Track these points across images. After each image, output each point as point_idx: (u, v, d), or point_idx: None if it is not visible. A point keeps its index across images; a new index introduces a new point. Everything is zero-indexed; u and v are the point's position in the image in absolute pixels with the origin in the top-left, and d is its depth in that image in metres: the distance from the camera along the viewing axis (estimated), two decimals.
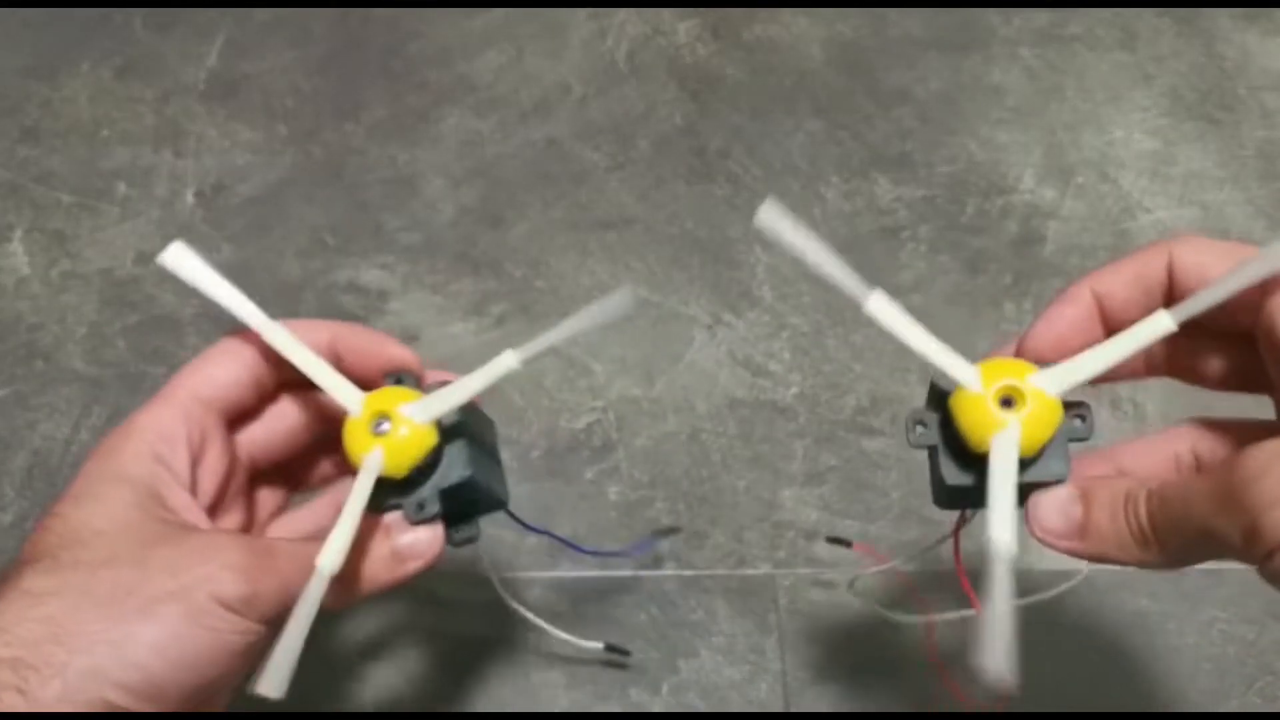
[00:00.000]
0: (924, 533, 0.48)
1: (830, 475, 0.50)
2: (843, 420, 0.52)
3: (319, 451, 0.35)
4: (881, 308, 0.31)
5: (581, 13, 0.69)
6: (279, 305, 0.55)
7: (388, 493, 0.31)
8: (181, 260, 0.33)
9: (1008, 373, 0.29)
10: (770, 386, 0.53)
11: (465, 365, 0.53)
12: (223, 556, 0.27)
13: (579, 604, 0.46)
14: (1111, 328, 0.29)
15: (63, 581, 0.26)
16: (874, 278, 0.59)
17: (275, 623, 0.27)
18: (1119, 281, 0.28)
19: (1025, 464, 0.28)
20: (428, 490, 0.31)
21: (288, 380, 0.33)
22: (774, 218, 0.30)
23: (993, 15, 0.69)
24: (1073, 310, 0.29)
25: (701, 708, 0.44)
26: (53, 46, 0.67)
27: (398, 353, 0.32)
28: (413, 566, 0.31)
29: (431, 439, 0.31)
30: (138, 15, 0.69)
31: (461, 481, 0.31)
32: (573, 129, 0.63)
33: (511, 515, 0.36)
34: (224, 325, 0.55)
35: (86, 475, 0.29)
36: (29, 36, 0.68)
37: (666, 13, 0.69)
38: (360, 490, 0.29)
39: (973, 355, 0.54)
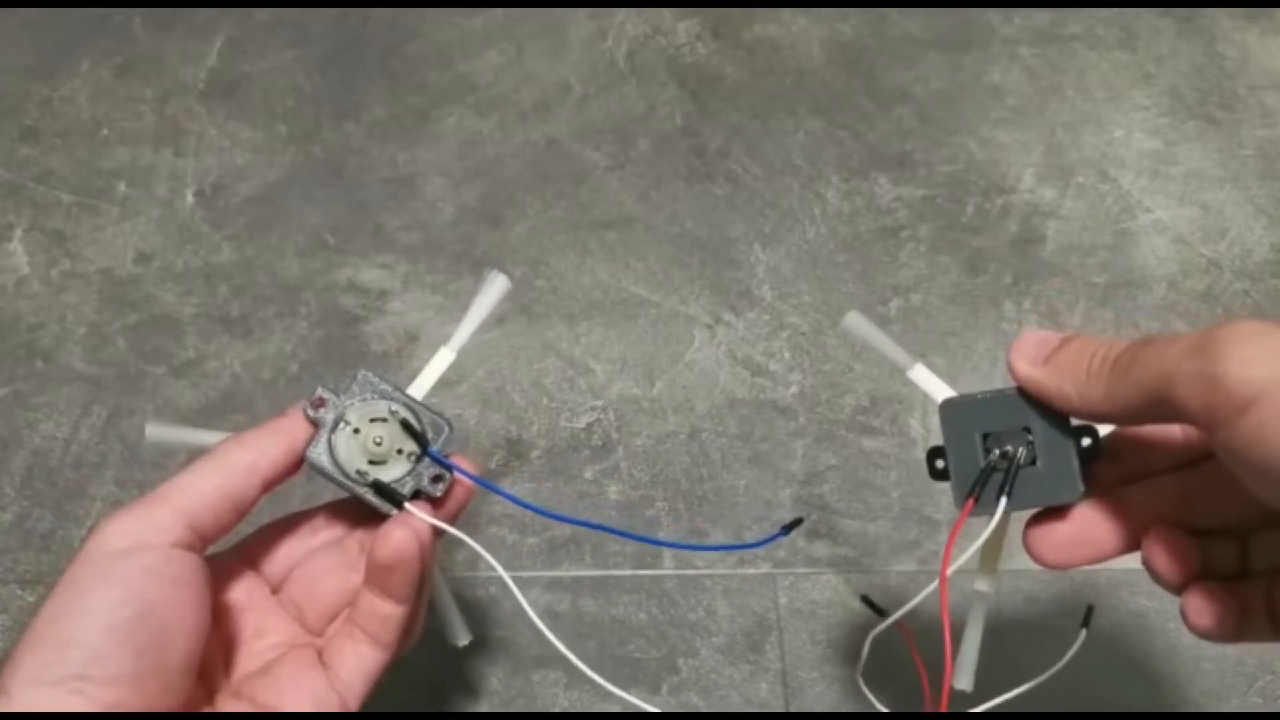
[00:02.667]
0: (924, 532, 0.48)
1: (830, 475, 0.50)
2: (842, 419, 0.52)
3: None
4: (920, 374, 0.35)
5: (581, 13, 0.69)
6: (279, 304, 0.56)
7: (386, 496, 0.33)
8: (161, 435, 0.36)
9: None
10: (770, 386, 0.53)
11: (464, 365, 0.53)
12: None
13: (579, 603, 0.46)
14: None
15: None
16: (874, 277, 0.59)
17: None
18: None
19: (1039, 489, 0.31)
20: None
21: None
22: (856, 321, 0.35)
23: (993, 15, 0.69)
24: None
25: (701, 708, 0.44)
26: (53, 46, 0.67)
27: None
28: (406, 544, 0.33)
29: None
30: (138, 15, 0.69)
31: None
32: (573, 129, 0.63)
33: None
34: (226, 325, 0.55)
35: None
36: (29, 36, 0.68)
37: (666, 13, 0.69)
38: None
39: (973, 354, 0.54)
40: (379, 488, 0.33)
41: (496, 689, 0.44)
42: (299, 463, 0.34)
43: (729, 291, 0.56)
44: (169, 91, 0.65)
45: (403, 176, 0.61)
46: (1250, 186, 0.61)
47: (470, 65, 0.67)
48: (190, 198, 0.60)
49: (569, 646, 0.45)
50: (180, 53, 0.67)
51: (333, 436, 0.33)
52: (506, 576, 0.34)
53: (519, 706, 0.44)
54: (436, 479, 0.34)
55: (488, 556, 0.33)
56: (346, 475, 0.33)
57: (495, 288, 0.37)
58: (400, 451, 0.34)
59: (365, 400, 0.34)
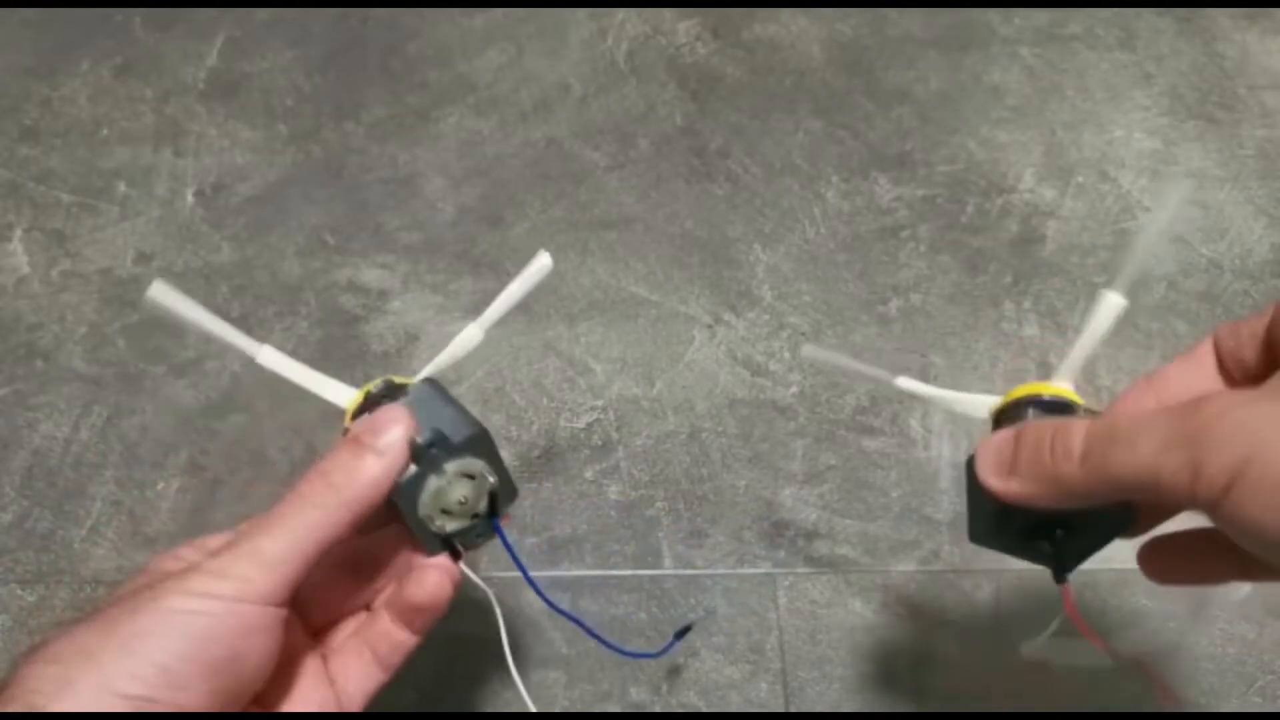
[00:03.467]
0: (923, 532, 0.48)
1: (830, 474, 0.50)
2: (842, 419, 0.52)
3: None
4: (907, 383, 0.36)
5: (581, 12, 0.69)
6: (279, 304, 0.56)
7: (441, 542, 0.34)
8: (166, 297, 0.34)
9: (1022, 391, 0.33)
10: (770, 386, 0.53)
11: (464, 365, 0.53)
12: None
13: (579, 603, 0.46)
14: (1229, 371, 0.31)
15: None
16: (874, 277, 0.59)
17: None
18: (1231, 336, 0.31)
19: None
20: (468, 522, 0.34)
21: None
22: (813, 352, 0.37)
23: (992, 15, 0.69)
24: (1200, 360, 0.31)
25: (701, 708, 0.44)
26: (53, 46, 0.67)
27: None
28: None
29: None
30: (138, 15, 0.69)
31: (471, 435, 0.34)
32: (573, 129, 0.63)
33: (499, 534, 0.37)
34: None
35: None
36: (29, 36, 0.68)
37: (666, 12, 0.69)
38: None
39: (973, 354, 0.54)
40: (445, 539, 0.34)
41: (496, 689, 0.44)
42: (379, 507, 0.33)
43: (729, 291, 0.56)
44: (169, 91, 0.65)
45: (403, 176, 0.61)
46: (1250, 186, 0.61)
47: (470, 65, 0.67)
48: (190, 197, 0.60)
49: (568, 647, 0.45)
50: (180, 53, 0.67)
51: (426, 481, 0.33)
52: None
53: (519, 706, 0.44)
54: (480, 536, 0.35)
55: (493, 597, 0.34)
56: (418, 516, 0.33)
57: (537, 267, 0.36)
58: (464, 503, 0.34)
59: (462, 458, 0.34)
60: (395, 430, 0.32)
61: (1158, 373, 0.31)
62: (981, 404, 0.34)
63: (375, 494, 0.32)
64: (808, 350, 0.37)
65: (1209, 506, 0.24)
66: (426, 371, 0.36)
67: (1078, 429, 0.27)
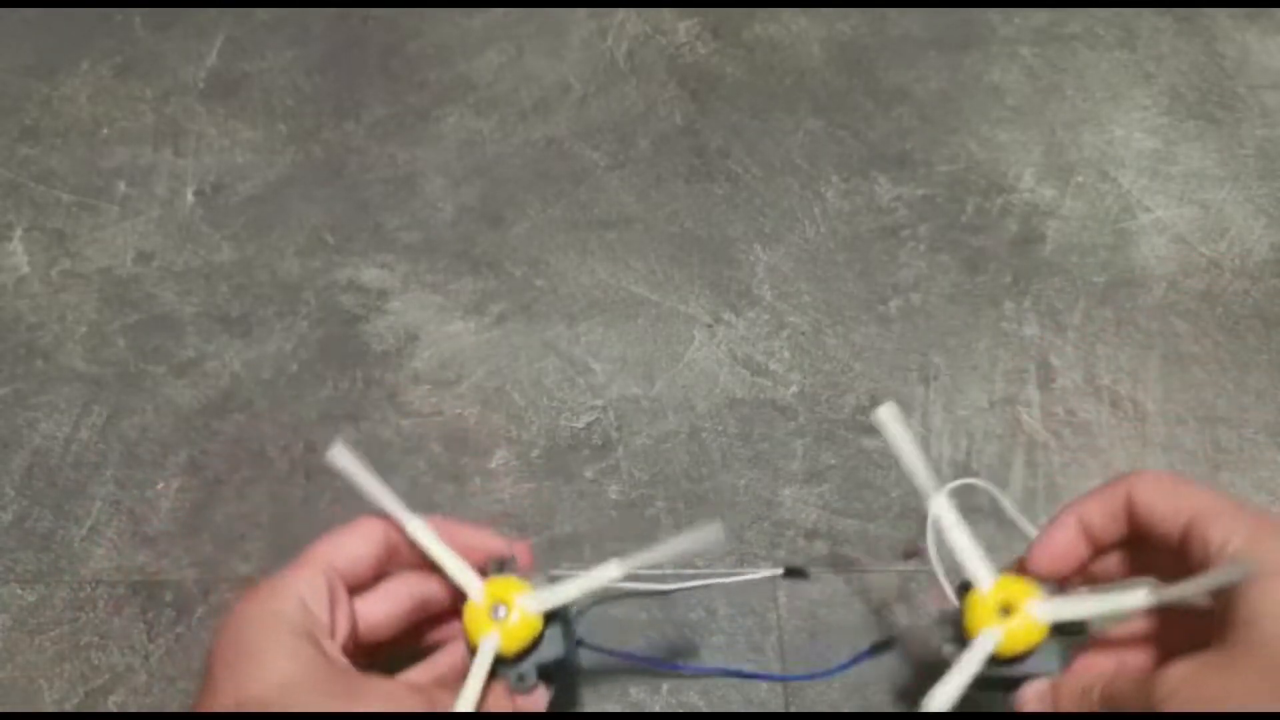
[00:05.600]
0: (923, 532, 0.48)
1: (830, 474, 0.50)
2: (843, 419, 0.52)
3: (413, 630, 0.40)
4: (942, 508, 0.38)
5: (581, 12, 0.69)
6: (279, 304, 0.56)
7: (494, 661, 0.36)
8: (343, 460, 0.37)
9: (1016, 590, 0.36)
10: (770, 385, 0.53)
11: (464, 364, 0.53)
12: (409, 703, 0.33)
13: (579, 603, 0.46)
14: (1094, 543, 0.36)
15: None
16: (874, 277, 0.59)
17: None
18: (1094, 512, 0.36)
19: (1020, 659, 0.35)
20: (527, 665, 0.36)
21: (398, 563, 0.38)
22: (890, 417, 0.38)
23: (992, 14, 0.69)
24: (1063, 534, 0.36)
25: (701, 708, 0.44)
26: (53, 46, 0.67)
27: (496, 545, 0.38)
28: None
29: (538, 626, 0.36)
30: (137, 14, 0.69)
31: (557, 658, 0.37)
32: (573, 128, 0.63)
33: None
34: (226, 325, 0.55)
35: (244, 630, 0.33)
36: (29, 36, 0.68)
37: (666, 12, 0.69)
38: (480, 665, 0.35)
39: (973, 354, 0.54)
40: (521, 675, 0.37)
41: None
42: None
43: (729, 291, 0.56)
44: (169, 91, 0.65)
45: (403, 176, 0.61)
46: (1250, 186, 0.61)
47: (470, 65, 0.67)
48: (190, 197, 0.60)
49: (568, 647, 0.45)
50: (180, 52, 0.67)
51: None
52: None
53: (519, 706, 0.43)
54: (521, 679, 0.37)
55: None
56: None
57: (706, 536, 0.37)
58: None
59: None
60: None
61: (1084, 510, 0.36)
62: (980, 573, 0.36)
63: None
64: (883, 413, 0.38)
65: None
66: (550, 603, 0.37)
67: (1096, 690, 0.33)
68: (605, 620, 0.46)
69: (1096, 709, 0.33)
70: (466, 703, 0.34)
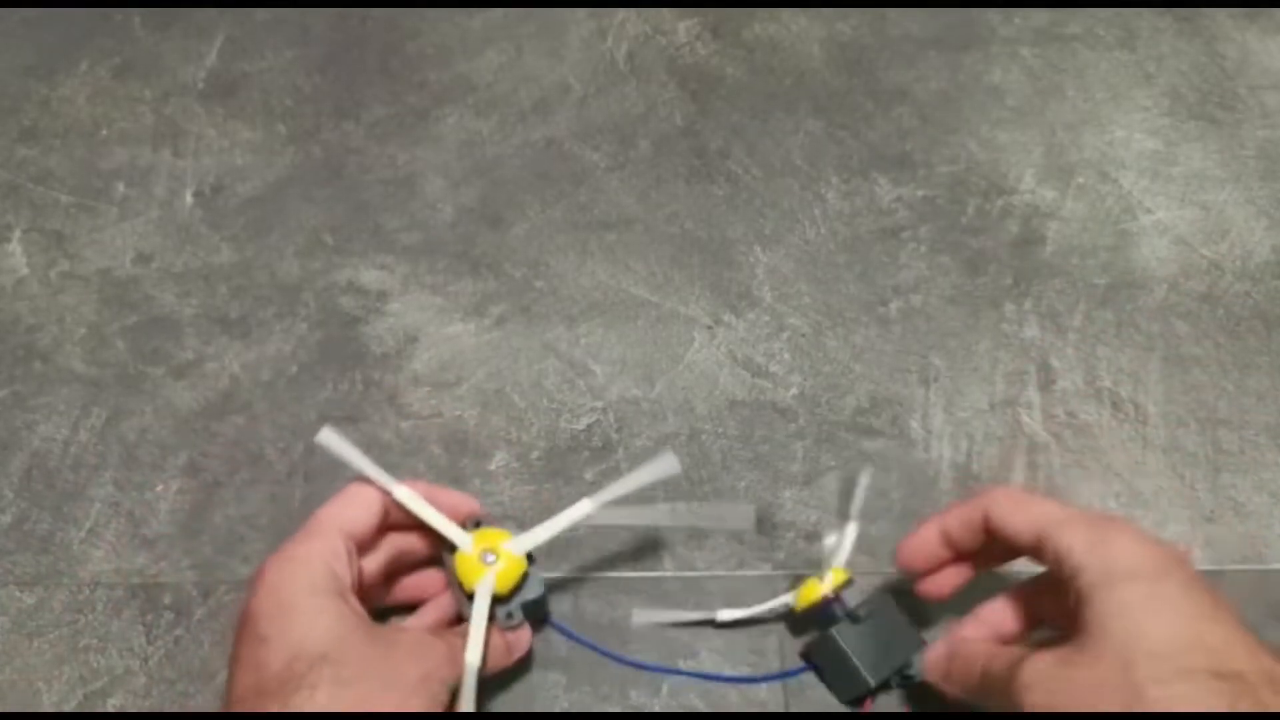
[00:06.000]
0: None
1: (830, 476, 0.50)
2: (843, 421, 0.52)
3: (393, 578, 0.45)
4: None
5: (581, 12, 0.69)
6: (278, 305, 0.56)
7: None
8: (331, 441, 0.41)
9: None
10: (770, 387, 0.53)
11: (464, 366, 0.53)
12: (436, 653, 0.38)
13: (579, 603, 0.46)
14: (954, 548, 0.41)
15: (352, 674, 0.35)
16: (874, 278, 0.59)
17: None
18: (953, 523, 0.41)
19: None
20: (514, 605, 0.41)
21: (389, 525, 0.42)
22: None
23: (992, 14, 0.69)
24: (921, 538, 0.42)
25: (701, 708, 0.44)
26: (52, 46, 0.67)
27: (471, 505, 0.43)
28: (516, 655, 0.42)
29: (524, 567, 0.41)
30: (137, 15, 0.69)
31: (537, 598, 0.42)
32: (572, 129, 0.63)
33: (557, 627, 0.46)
34: (225, 326, 0.55)
35: (280, 590, 0.36)
36: (28, 36, 0.68)
37: (666, 12, 0.69)
38: (481, 604, 0.39)
39: (973, 355, 0.54)
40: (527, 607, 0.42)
41: (496, 689, 0.44)
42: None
43: (729, 292, 0.56)
44: (168, 91, 0.65)
45: (402, 176, 0.61)
46: (1251, 187, 0.61)
47: (470, 65, 0.67)
48: (189, 198, 0.60)
49: (569, 647, 0.45)
50: (180, 53, 0.67)
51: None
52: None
53: (519, 706, 0.43)
54: (510, 616, 0.41)
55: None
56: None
57: (663, 466, 0.42)
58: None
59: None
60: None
61: (945, 521, 0.41)
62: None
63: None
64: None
65: None
66: (530, 544, 0.41)
67: (977, 667, 0.38)
68: (605, 622, 0.46)
69: (976, 682, 0.37)
70: (477, 639, 0.39)
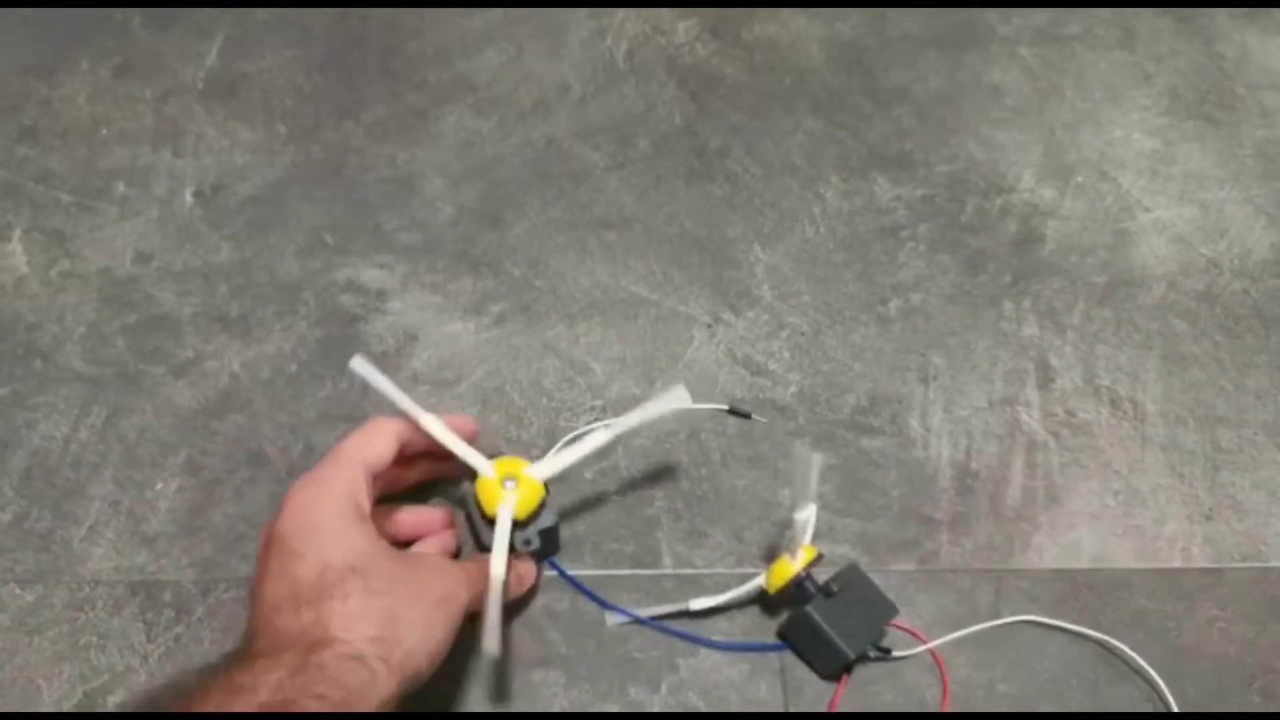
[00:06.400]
0: (923, 531, 0.48)
1: (829, 474, 0.50)
2: (842, 419, 0.52)
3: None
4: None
5: (581, 12, 0.69)
6: (278, 304, 0.56)
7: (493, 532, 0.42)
8: (364, 369, 0.43)
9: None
10: (769, 386, 0.53)
11: (464, 365, 0.53)
12: (457, 575, 0.40)
13: (579, 603, 0.46)
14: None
15: (380, 587, 0.37)
16: (873, 277, 0.59)
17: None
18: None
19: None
20: (531, 531, 0.43)
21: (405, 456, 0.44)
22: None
23: (992, 14, 0.69)
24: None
25: (701, 707, 0.44)
26: (52, 46, 0.67)
27: (469, 425, 0.45)
28: (525, 587, 0.44)
29: (543, 493, 0.43)
30: (137, 14, 0.69)
31: (552, 525, 0.44)
32: (572, 129, 0.63)
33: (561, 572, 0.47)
34: (225, 325, 0.55)
35: (308, 512, 0.38)
36: (28, 36, 0.68)
37: (666, 12, 0.70)
38: (502, 526, 0.41)
39: (972, 354, 0.54)
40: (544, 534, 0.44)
41: (496, 683, 0.44)
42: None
43: (728, 291, 0.56)
44: (168, 91, 0.65)
45: (402, 176, 0.61)
46: (1249, 186, 0.61)
47: (470, 65, 0.67)
48: (189, 197, 0.60)
49: (568, 647, 0.45)
50: (180, 52, 0.67)
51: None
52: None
53: (519, 706, 0.43)
54: (527, 542, 0.44)
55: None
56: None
57: (674, 398, 0.44)
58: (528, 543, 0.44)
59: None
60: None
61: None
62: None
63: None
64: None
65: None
66: (550, 470, 0.43)
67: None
68: (604, 620, 0.46)
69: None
70: (500, 555, 0.40)
